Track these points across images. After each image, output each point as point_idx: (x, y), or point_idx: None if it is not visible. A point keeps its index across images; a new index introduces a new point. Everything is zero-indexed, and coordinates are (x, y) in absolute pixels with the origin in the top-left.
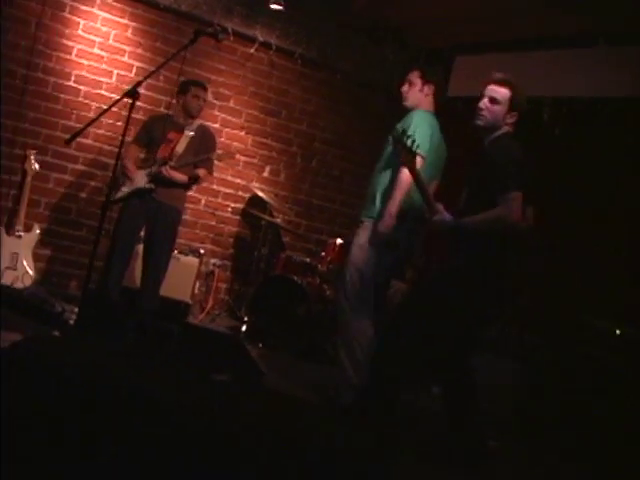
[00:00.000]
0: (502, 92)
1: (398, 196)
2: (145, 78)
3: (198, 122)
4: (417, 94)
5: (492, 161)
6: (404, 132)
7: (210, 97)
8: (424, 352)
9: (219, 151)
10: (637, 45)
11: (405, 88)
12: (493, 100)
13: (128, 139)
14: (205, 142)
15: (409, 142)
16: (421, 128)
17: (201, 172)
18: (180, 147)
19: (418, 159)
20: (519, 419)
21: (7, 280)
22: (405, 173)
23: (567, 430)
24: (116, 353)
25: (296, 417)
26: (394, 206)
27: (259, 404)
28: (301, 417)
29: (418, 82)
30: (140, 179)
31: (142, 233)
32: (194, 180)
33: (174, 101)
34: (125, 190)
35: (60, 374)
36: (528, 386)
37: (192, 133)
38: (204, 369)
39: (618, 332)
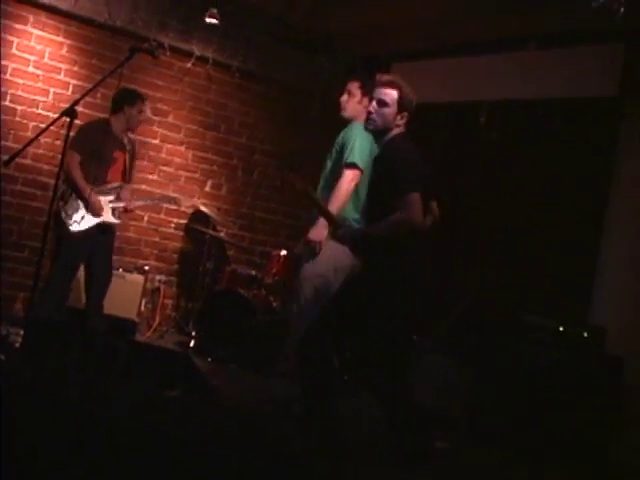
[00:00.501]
0: (390, 94)
1: (332, 209)
2: (82, 96)
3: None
4: (356, 105)
5: (386, 164)
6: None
7: (148, 113)
8: (352, 351)
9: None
10: (565, 46)
11: (344, 98)
12: (381, 103)
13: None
14: (134, 152)
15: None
16: (360, 141)
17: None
18: (127, 168)
19: (356, 172)
20: (467, 419)
21: None
22: (344, 184)
23: (516, 429)
24: (64, 373)
25: (249, 428)
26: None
27: (212, 417)
28: (254, 428)
29: (358, 93)
30: (104, 211)
31: None
32: None
33: (108, 115)
34: (90, 221)
35: (8, 397)
36: (474, 386)
37: (129, 147)
38: (153, 386)
39: (561, 329)
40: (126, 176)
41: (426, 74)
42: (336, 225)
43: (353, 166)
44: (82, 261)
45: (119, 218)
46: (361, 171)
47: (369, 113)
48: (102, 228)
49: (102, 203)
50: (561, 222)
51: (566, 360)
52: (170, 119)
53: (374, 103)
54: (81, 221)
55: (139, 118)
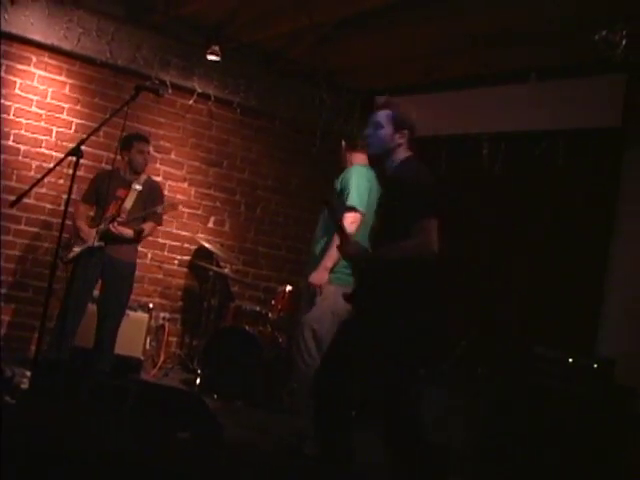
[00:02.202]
0: (383, 114)
1: (334, 253)
2: (88, 136)
3: (145, 176)
4: (347, 156)
5: (401, 189)
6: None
7: (151, 150)
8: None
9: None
10: (567, 78)
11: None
12: (376, 125)
13: (74, 197)
14: (153, 196)
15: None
16: (358, 182)
17: (148, 226)
18: (128, 203)
19: (357, 215)
20: (475, 453)
21: None
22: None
23: (526, 462)
24: (72, 416)
25: (259, 468)
26: (330, 261)
27: (223, 459)
28: (267, 469)
29: (344, 146)
30: (90, 238)
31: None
32: (138, 234)
33: (119, 157)
34: (76, 250)
35: (15, 440)
36: (483, 419)
37: (139, 187)
38: (164, 428)
39: (571, 360)
40: (122, 209)
41: (426, 107)
42: (347, 240)
43: (353, 209)
44: (88, 299)
45: (100, 242)
46: (362, 214)
47: (367, 137)
48: (92, 254)
49: (91, 232)
50: (567, 254)
51: (576, 392)
52: (172, 156)
53: (369, 127)
54: (70, 251)
55: (142, 158)
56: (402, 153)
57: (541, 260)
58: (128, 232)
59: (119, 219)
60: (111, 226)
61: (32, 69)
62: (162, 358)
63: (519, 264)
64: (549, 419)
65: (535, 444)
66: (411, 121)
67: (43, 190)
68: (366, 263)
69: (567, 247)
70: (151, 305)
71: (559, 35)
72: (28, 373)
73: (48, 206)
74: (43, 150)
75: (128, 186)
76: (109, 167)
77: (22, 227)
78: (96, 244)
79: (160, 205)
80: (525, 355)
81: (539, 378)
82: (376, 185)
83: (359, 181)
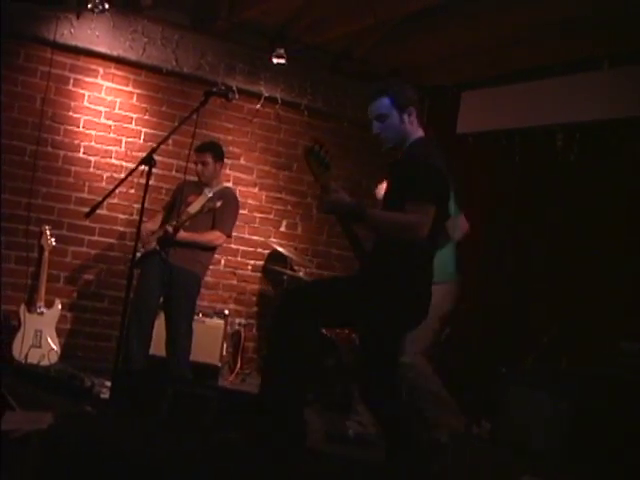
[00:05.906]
0: (382, 103)
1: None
2: (159, 144)
3: (222, 185)
4: None
5: (405, 172)
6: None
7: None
8: None
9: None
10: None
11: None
12: (380, 117)
13: (147, 207)
14: (223, 203)
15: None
16: None
17: (209, 234)
18: (193, 207)
19: None
20: (563, 452)
21: (33, 359)
22: None
23: (614, 462)
24: (154, 426)
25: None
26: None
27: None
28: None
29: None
30: (151, 242)
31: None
32: (206, 242)
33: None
34: (138, 254)
35: (99, 452)
36: (570, 417)
37: (210, 194)
38: (246, 435)
39: None
40: (185, 212)
41: (496, 101)
42: (329, 190)
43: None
44: (152, 307)
45: (156, 246)
46: None
47: (377, 135)
48: (153, 260)
49: (152, 237)
50: None
51: None
52: (242, 161)
53: (375, 122)
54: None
55: (196, 169)
56: (414, 133)
57: (624, 253)
58: (185, 235)
59: (172, 222)
60: (167, 227)
61: (99, 81)
62: (239, 364)
63: (601, 258)
64: (635, 415)
65: (621, 442)
66: (412, 95)
67: (115, 200)
68: (350, 218)
69: None
70: (226, 311)
71: (628, 19)
72: (108, 383)
73: (121, 216)
74: (113, 161)
75: (200, 193)
76: (182, 176)
77: (96, 238)
78: (152, 247)
79: (224, 214)
80: (611, 350)
81: (625, 373)
82: None
83: None
